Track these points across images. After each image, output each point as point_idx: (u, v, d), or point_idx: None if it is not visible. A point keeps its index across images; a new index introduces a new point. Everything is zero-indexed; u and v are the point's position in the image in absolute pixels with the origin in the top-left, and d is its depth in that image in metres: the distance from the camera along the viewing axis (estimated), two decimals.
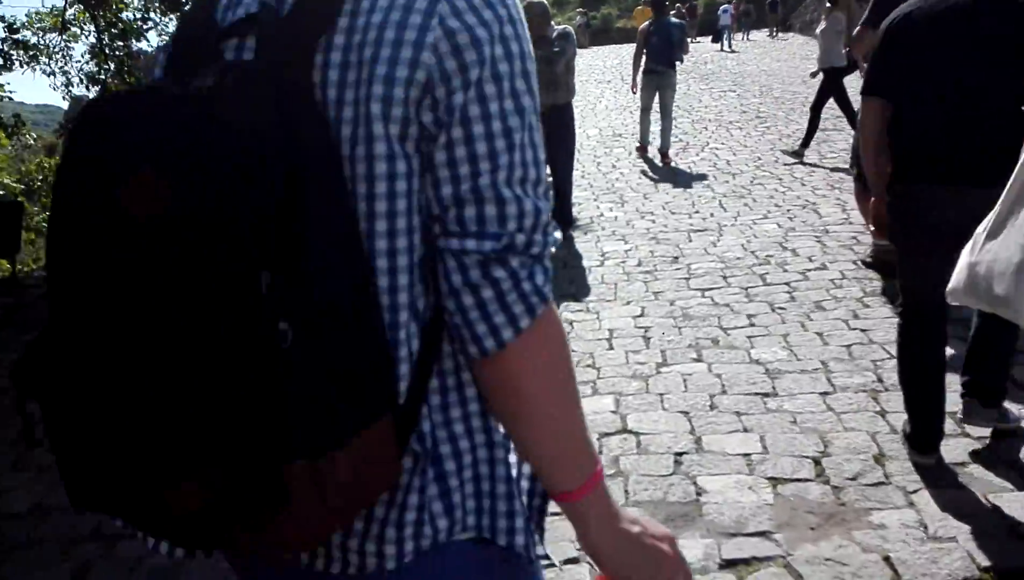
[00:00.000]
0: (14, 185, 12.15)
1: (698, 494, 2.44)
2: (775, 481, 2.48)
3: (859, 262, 4.45)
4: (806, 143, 7.34)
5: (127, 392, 0.64)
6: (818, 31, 7.65)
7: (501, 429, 0.81)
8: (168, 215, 0.62)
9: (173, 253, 0.62)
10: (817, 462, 2.57)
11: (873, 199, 2.52)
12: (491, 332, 0.72)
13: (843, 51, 6.94)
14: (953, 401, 2.57)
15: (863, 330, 3.57)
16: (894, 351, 3.32)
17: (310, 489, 0.64)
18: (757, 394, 3.04)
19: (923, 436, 2.49)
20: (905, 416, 2.67)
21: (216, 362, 0.61)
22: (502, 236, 0.72)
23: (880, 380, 3.08)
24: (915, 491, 2.38)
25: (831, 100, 7.33)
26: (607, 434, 2.81)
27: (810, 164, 7.10)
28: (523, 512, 0.83)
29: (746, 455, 2.63)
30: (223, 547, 0.71)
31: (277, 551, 0.73)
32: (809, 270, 4.43)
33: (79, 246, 0.66)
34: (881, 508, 2.32)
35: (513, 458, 0.84)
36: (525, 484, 0.86)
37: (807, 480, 2.47)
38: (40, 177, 13.20)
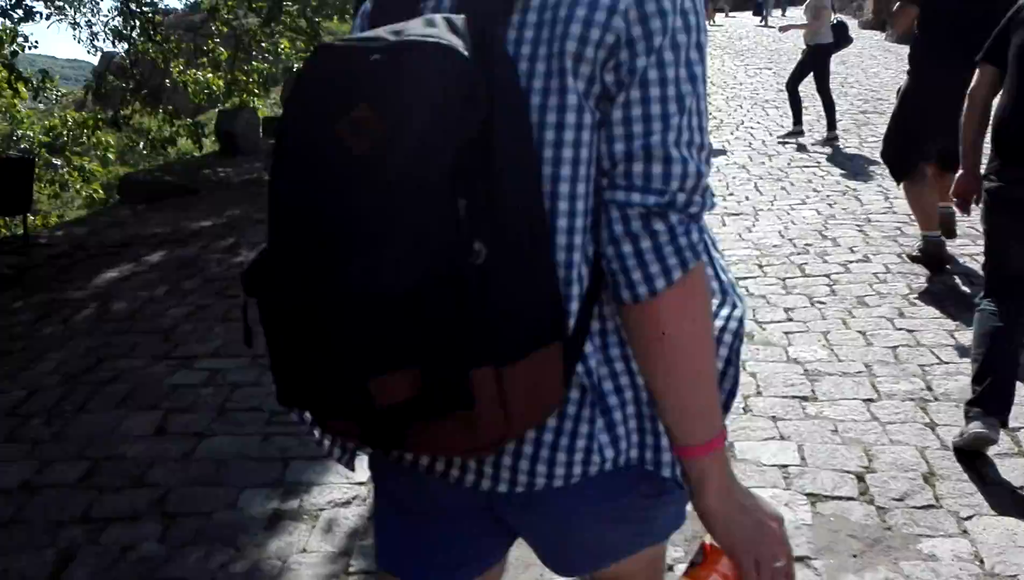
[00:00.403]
0: (42, 137, 12.07)
1: None
2: (814, 498, 2.27)
3: (905, 256, 4.19)
4: (831, 124, 7.03)
5: (342, 296, 0.73)
6: (805, 5, 7.38)
7: None
8: (382, 146, 0.71)
9: (386, 179, 0.71)
10: (860, 478, 2.36)
11: (960, 172, 2.45)
12: (645, 280, 0.78)
13: (829, 28, 6.93)
14: (1014, 414, 2.35)
15: (910, 331, 3.33)
16: (943, 356, 3.11)
17: (493, 394, 0.72)
18: (795, 397, 2.83)
19: (996, 397, 2.32)
20: (954, 430, 2.47)
21: (420, 274, 0.70)
22: (665, 192, 0.78)
23: (929, 388, 2.86)
24: (969, 517, 2.17)
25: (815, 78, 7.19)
26: None
27: (851, 148, 6.79)
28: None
29: (783, 467, 2.42)
30: (407, 447, 0.78)
31: (454, 453, 0.82)
32: (851, 262, 4.18)
33: (304, 171, 0.76)
34: (931, 535, 2.11)
35: None
36: None
37: (849, 499, 2.27)
38: (65, 131, 13.10)
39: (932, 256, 3.94)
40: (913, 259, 4.10)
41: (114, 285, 4.40)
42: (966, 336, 3.24)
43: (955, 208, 2.85)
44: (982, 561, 2.00)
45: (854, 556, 2.04)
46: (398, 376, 0.72)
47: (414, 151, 0.71)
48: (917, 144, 3.83)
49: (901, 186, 4.09)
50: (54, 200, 12.10)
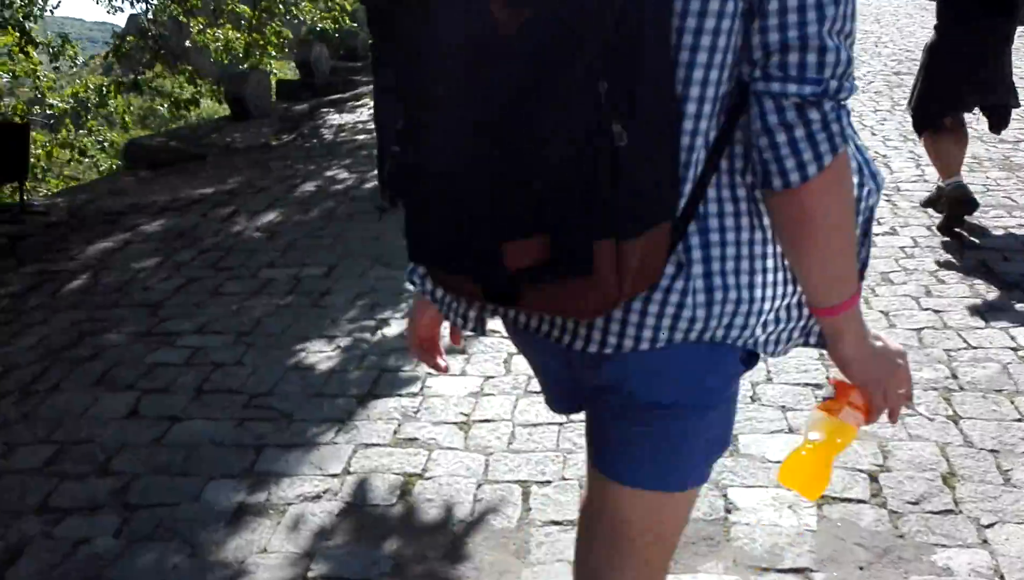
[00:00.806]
0: (62, 105, 11.99)
1: (727, 510, 2.06)
2: (821, 499, 2.08)
3: (936, 229, 3.95)
4: None
5: (485, 166, 0.79)
6: None
7: (768, 253, 0.93)
8: (529, 31, 0.75)
9: (531, 59, 0.76)
10: (874, 478, 2.16)
11: None
12: (798, 167, 0.83)
13: None
14: None
15: (936, 311, 3.09)
16: (971, 339, 2.88)
17: (611, 264, 0.78)
18: (808, 385, 2.62)
19: None
20: (980, 423, 2.27)
21: (560, 152, 0.76)
22: (821, 81, 0.82)
23: (954, 376, 2.63)
24: (990, 525, 1.97)
25: None
26: None
27: (883, 110, 6.44)
28: (782, 324, 0.97)
29: None
30: (522, 305, 0.86)
31: (564, 313, 0.89)
32: (876, 234, 3.92)
33: (452, 45, 0.80)
34: (947, 545, 1.91)
35: (771, 278, 0.94)
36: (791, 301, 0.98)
37: (860, 501, 2.07)
38: (89, 97, 13.01)
39: (956, 201, 3.77)
40: (927, 204, 4.08)
41: (107, 255, 4.29)
42: (997, 318, 3.00)
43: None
44: (1002, 577, 1.81)
45: (860, 568, 1.85)
46: (529, 242, 0.78)
47: (559, 33, 0.74)
48: (941, 99, 3.82)
49: (922, 139, 4.04)
50: (76, 164, 12.06)
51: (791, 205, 0.86)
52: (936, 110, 3.83)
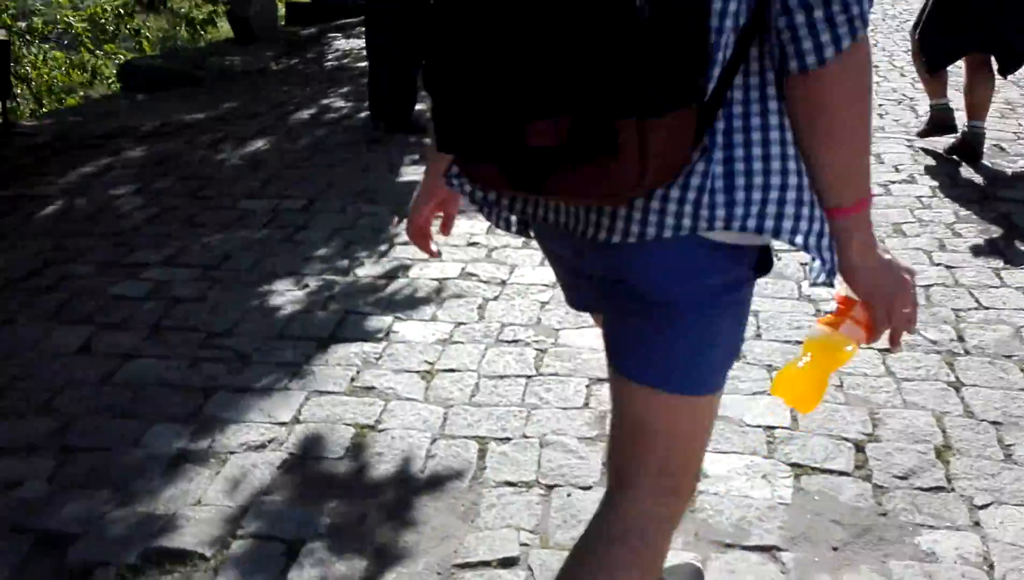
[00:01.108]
0: (78, 25, 11.71)
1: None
2: (799, 470, 1.92)
3: (944, 150, 3.86)
4: None
5: (509, 49, 0.80)
6: None
7: (791, 140, 0.91)
8: None
9: None
10: (860, 448, 1.99)
11: None
12: (815, 49, 0.84)
13: None
14: None
15: (948, 267, 2.87)
16: (983, 299, 2.66)
17: (634, 145, 0.78)
18: (799, 342, 2.43)
19: None
20: (984, 392, 2.09)
21: (584, 24, 0.75)
22: None
23: (961, 338, 2.43)
24: (985, 506, 1.80)
25: None
26: (600, 379, 2.27)
27: None
28: (808, 216, 0.93)
29: (769, 429, 2.06)
30: (546, 190, 0.86)
31: (588, 199, 0.89)
32: (893, 182, 3.66)
33: None
34: (934, 526, 1.75)
35: (793, 166, 0.91)
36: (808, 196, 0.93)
37: (842, 474, 1.91)
38: (105, 19, 12.70)
39: (939, 122, 3.90)
40: (921, 135, 4.04)
41: (86, 181, 4.13)
42: (1014, 277, 2.78)
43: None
44: (992, 566, 1.64)
45: (834, 549, 1.70)
46: (551, 123, 0.79)
47: None
48: (945, 40, 3.75)
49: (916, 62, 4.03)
50: (87, 87, 11.85)
51: (806, 90, 0.86)
52: (946, 51, 3.78)
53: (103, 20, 12.58)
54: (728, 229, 0.90)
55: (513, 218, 1.09)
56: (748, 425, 2.07)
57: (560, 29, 0.76)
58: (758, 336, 2.47)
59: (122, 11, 12.81)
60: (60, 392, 2.29)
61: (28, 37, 10.44)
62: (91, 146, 4.74)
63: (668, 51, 0.77)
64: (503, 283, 2.84)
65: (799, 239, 0.92)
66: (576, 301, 1.21)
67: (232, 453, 2.03)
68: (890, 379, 2.25)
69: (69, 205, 3.79)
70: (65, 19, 11.86)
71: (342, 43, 7.77)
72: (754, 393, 2.20)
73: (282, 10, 10.45)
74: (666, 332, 0.99)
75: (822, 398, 1.07)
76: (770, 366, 2.32)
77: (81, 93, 11.23)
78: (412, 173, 4.01)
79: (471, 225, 3.31)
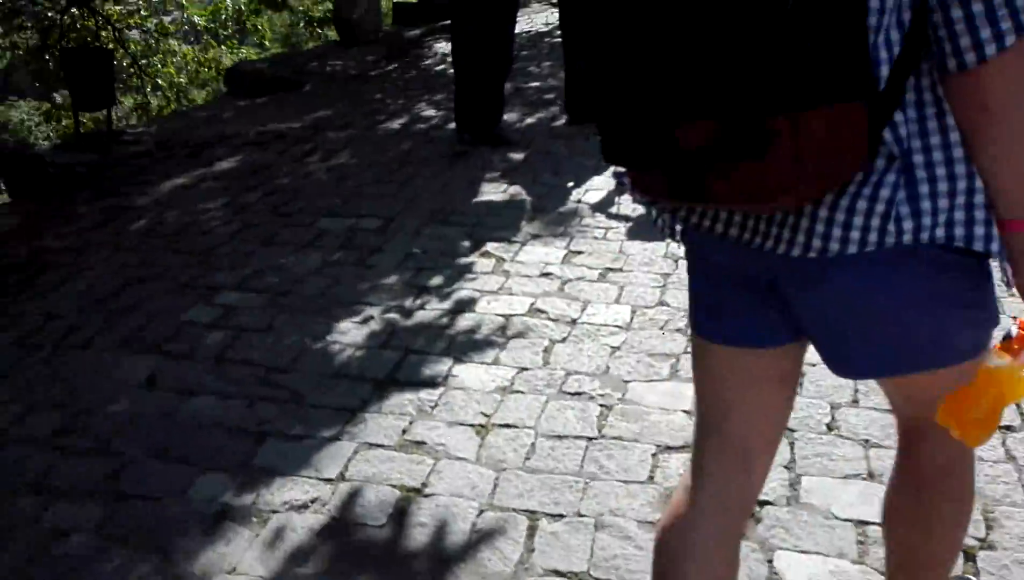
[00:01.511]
0: (202, 22, 12.23)
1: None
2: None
3: None
4: None
5: (654, 50, 0.80)
6: None
7: None
8: None
9: None
10: (969, 556, 1.71)
11: None
12: (973, 46, 0.79)
13: None
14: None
15: None
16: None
17: (787, 141, 0.75)
18: None
19: None
20: None
21: (730, 16, 0.74)
22: None
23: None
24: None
25: None
26: (669, 447, 2.06)
27: None
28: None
29: (861, 524, 1.80)
30: (707, 197, 0.83)
31: (754, 199, 0.82)
32: None
33: None
34: None
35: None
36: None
37: None
38: (227, 16, 13.20)
39: None
40: None
41: (177, 192, 4.22)
42: None
43: None
44: None
45: None
46: (701, 123, 0.78)
47: None
48: None
49: None
50: (200, 90, 12.37)
51: (966, 90, 0.82)
52: None
53: (226, 17, 13.10)
54: (917, 241, 0.85)
55: (677, 226, 1.06)
56: (836, 518, 1.82)
57: (702, 25, 0.75)
58: (855, 402, 2.20)
59: (243, 7, 13.29)
60: (120, 431, 2.29)
61: (156, 34, 10.93)
62: (189, 156, 4.86)
63: (818, 43, 0.75)
64: (573, 322, 2.66)
65: (994, 246, 0.87)
66: (716, 331, 1.08)
67: (275, 512, 1.95)
68: (1010, 466, 1.94)
69: (158, 219, 3.87)
70: (191, 16, 12.40)
71: (443, 46, 7.72)
72: (846, 476, 1.94)
73: (388, 9, 10.54)
74: (888, 331, 0.94)
75: (993, 432, 1.00)
76: (867, 441, 2.05)
77: (193, 96, 11.71)
78: (491, 192, 3.88)
79: (546, 253, 3.15)
